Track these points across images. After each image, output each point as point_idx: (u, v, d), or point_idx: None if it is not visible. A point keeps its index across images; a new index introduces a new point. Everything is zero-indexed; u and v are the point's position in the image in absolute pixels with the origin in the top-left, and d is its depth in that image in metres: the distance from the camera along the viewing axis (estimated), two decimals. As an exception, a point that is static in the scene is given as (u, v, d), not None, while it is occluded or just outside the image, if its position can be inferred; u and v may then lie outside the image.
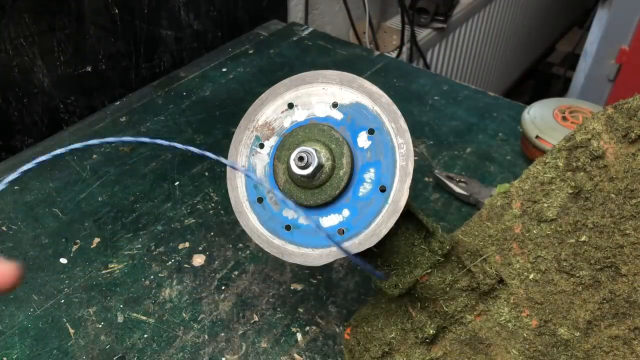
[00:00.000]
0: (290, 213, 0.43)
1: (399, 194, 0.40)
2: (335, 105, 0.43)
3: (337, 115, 0.42)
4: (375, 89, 0.42)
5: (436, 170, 0.77)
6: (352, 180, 0.41)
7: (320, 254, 0.42)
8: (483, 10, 1.86)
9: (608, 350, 0.41)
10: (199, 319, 0.60)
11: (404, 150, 0.40)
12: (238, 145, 0.45)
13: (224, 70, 1.02)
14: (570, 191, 0.42)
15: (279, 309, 0.61)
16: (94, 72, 0.90)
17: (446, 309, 0.46)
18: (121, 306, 0.61)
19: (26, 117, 0.83)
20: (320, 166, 0.41)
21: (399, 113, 0.41)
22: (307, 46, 1.10)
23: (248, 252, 0.67)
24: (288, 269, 0.65)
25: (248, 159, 0.45)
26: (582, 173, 0.42)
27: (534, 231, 0.44)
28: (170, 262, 0.66)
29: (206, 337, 0.58)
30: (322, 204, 0.41)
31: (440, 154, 0.82)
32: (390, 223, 0.40)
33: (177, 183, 0.77)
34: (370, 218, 0.40)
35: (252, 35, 1.14)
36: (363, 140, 0.41)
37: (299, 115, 0.44)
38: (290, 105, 0.44)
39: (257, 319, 0.60)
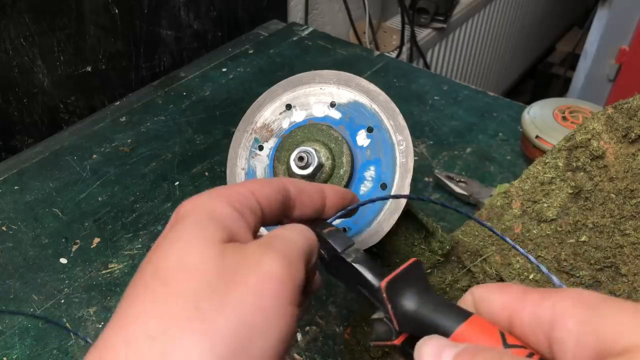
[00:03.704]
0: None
1: (400, 191, 0.40)
2: (333, 104, 0.43)
3: (336, 114, 0.42)
4: (372, 87, 0.42)
5: (436, 170, 0.77)
6: (353, 178, 0.41)
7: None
8: (483, 10, 1.86)
9: (608, 350, 0.41)
10: (199, 319, 0.59)
11: (403, 147, 0.40)
12: (237, 148, 0.45)
13: (224, 70, 1.02)
14: (570, 191, 0.42)
15: (278, 309, 0.61)
16: (94, 72, 0.90)
17: (446, 309, 0.46)
18: (121, 306, 0.61)
19: (26, 117, 0.83)
20: (320, 165, 0.41)
21: (397, 110, 0.41)
22: (307, 46, 1.10)
23: (248, 252, 0.67)
24: (288, 269, 0.65)
25: (248, 161, 0.45)
26: (582, 173, 0.42)
27: (534, 231, 0.44)
28: (170, 262, 0.66)
29: (206, 337, 0.58)
30: (322, 204, 0.41)
31: (440, 154, 0.82)
32: (392, 220, 0.40)
33: (177, 183, 0.77)
34: (372, 216, 0.40)
35: (252, 35, 1.14)
36: (362, 139, 0.41)
37: (297, 115, 0.44)
38: (288, 107, 0.44)
39: (257, 319, 0.60)
